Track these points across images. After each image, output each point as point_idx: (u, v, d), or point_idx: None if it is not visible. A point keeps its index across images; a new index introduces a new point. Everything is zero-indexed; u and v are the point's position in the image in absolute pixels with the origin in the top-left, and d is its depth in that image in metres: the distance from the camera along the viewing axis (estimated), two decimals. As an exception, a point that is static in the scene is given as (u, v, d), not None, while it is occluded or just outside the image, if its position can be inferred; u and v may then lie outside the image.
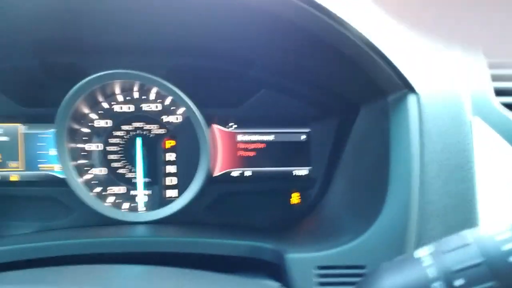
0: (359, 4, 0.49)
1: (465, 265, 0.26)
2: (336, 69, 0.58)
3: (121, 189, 0.70)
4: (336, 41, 0.50)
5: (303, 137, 0.73)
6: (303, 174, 0.73)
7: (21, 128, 0.69)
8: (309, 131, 0.73)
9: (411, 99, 0.50)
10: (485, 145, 0.51)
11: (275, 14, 0.48)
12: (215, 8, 0.51)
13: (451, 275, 0.26)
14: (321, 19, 0.47)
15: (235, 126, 0.72)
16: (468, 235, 0.28)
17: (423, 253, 0.29)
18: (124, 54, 0.64)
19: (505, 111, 0.53)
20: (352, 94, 0.62)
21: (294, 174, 0.73)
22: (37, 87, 0.67)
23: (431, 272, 0.27)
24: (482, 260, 0.26)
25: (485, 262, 0.26)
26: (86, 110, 0.68)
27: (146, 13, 0.54)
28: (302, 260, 0.48)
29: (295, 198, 0.74)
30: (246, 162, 0.72)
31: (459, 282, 0.26)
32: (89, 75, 0.63)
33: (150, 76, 0.64)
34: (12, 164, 0.69)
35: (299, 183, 0.73)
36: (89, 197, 0.67)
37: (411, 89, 0.50)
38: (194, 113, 0.66)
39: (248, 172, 0.73)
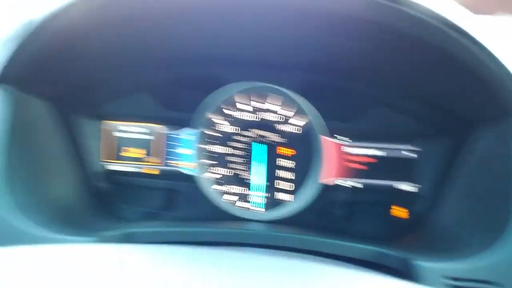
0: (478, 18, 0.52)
1: None
2: (455, 86, 0.60)
3: (239, 189, 0.78)
4: (462, 57, 0.52)
5: (413, 154, 0.76)
6: (411, 190, 0.76)
7: (162, 128, 0.79)
8: (420, 150, 0.75)
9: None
10: None
11: (399, 32, 0.52)
12: (341, 31, 0.56)
13: None
14: (448, 34, 0.50)
15: (348, 139, 0.77)
16: None
17: None
18: (255, 67, 0.72)
19: None
20: (469, 113, 0.64)
21: (401, 189, 0.76)
22: (174, 93, 0.77)
23: None
24: None
25: None
26: (217, 117, 0.77)
27: (279, 34, 0.61)
28: (433, 269, 0.51)
29: (400, 212, 0.76)
30: (355, 173, 0.77)
31: None
32: (222, 85, 0.72)
33: (281, 89, 0.71)
34: (151, 159, 0.79)
35: (406, 199, 0.75)
36: (212, 193, 0.76)
37: None
38: (314, 124, 0.72)
39: (355, 183, 0.77)
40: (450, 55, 0.52)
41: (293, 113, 0.76)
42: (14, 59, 0.57)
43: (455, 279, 0.49)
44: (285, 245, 0.61)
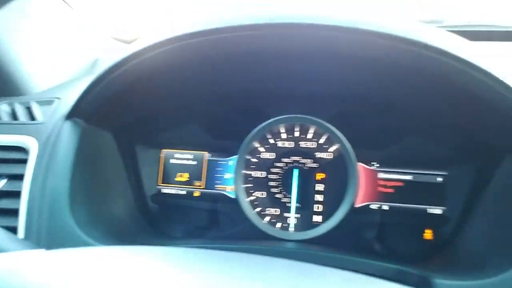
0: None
1: None
2: (478, 117, 0.66)
3: (277, 211, 0.84)
4: (481, 92, 0.58)
5: (440, 179, 0.81)
6: (437, 213, 0.80)
7: (206, 155, 0.88)
8: (447, 174, 0.80)
9: None
10: None
11: (425, 73, 0.59)
12: (375, 72, 0.64)
13: None
14: (468, 73, 0.56)
15: (378, 165, 0.83)
16: None
17: None
18: (295, 101, 0.80)
19: None
20: (494, 141, 0.69)
21: (428, 212, 0.81)
22: (222, 124, 0.86)
23: None
24: None
25: None
26: (256, 145, 0.85)
27: (318, 73, 0.69)
28: (451, 286, 0.56)
29: (428, 234, 0.81)
30: (385, 197, 0.82)
31: None
32: (265, 118, 0.81)
33: (315, 119, 0.79)
34: (196, 183, 0.88)
35: (433, 221, 0.80)
36: (252, 214, 0.83)
37: None
38: (347, 151, 0.78)
39: (385, 207, 0.82)
40: (471, 92, 0.58)
41: (327, 140, 0.83)
42: (85, 96, 0.68)
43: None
44: (308, 261, 0.67)
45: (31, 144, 0.71)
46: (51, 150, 0.69)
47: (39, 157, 0.69)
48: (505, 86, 0.54)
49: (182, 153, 0.89)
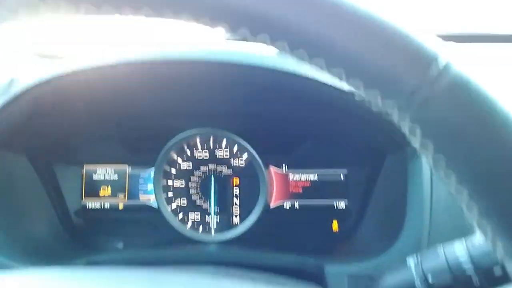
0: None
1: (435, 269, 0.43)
2: (367, 131, 0.76)
3: (198, 216, 0.90)
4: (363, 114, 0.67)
5: (341, 176, 0.90)
6: (341, 206, 0.90)
7: (127, 168, 0.92)
8: (347, 173, 0.90)
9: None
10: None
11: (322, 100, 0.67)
12: (270, 93, 0.71)
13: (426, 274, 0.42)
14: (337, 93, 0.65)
15: (287, 167, 0.91)
16: (438, 249, 0.45)
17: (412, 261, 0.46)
18: (205, 117, 0.86)
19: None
20: (379, 145, 0.79)
21: (334, 206, 0.90)
22: (139, 140, 0.90)
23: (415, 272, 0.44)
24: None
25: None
26: (174, 156, 0.90)
27: (221, 92, 0.75)
28: (337, 271, 0.65)
29: (335, 226, 0.90)
30: (296, 196, 0.91)
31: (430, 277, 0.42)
32: (179, 130, 0.86)
33: (224, 131, 0.85)
34: (120, 195, 0.92)
35: (338, 214, 0.90)
36: (175, 222, 0.88)
37: None
38: (255, 158, 0.86)
39: (297, 205, 0.91)
40: (346, 108, 0.67)
41: (238, 149, 0.90)
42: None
43: (352, 276, 0.63)
44: (229, 260, 0.74)
45: None
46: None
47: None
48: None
49: (104, 168, 0.92)
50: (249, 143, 0.86)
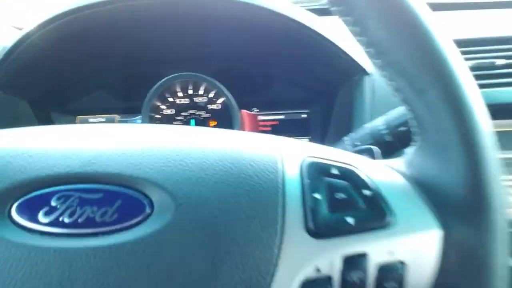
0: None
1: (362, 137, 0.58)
2: (316, 64, 0.90)
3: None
4: (312, 44, 0.82)
5: (304, 115, 1.05)
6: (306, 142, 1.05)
7: (117, 117, 1.04)
8: (308, 111, 1.05)
9: (367, 79, 0.82)
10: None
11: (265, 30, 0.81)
12: (237, 33, 0.85)
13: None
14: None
15: (257, 110, 1.05)
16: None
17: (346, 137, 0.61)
18: (185, 63, 0.99)
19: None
20: (332, 80, 0.94)
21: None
22: (126, 88, 1.02)
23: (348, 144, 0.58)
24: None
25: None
26: (158, 103, 1.03)
27: (198, 37, 0.88)
28: None
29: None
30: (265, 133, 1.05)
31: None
32: (161, 78, 0.98)
33: (202, 76, 0.98)
34: (111, 141, 1.04)
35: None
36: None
37: (366, 72, 0.82)
38: (231, 101, 0.99)
39: (267, 142, 1.05)
40: (302, 43, 0.82)
41: (215, 94, 1.03)
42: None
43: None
44: None
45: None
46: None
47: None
48: (317, 34, 0.78)
49: (96, 118, 1.04)
50: (225, 88, 1.00)
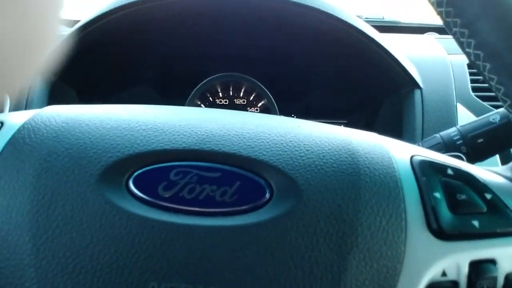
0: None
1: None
2: (367, 71, 0.90)
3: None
4: (364, 53, 0.82)
5: (342, 125, 1.05)
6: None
7: (156, 112, 1.04)
8: (346, 122, 1.05)
9: (417, 93, 0.82)
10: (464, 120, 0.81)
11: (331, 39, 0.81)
12: (287, 38, 0.85)
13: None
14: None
15: (295, 116, 1.05)
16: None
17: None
18: (225, 63, 1.00)
19: (478, 100, 0.82)
20: (378, 89, 0.94)
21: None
22: (169, 85, 1.02)
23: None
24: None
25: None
26: (198, 101, 1.03)
27: (246, 38, 0.89)
28: None
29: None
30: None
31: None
32: (202, 76, 0.99)
33: (248, 77, 0.99)
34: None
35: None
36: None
37: (417, 85, 0.82)
38: (273, 105, 0.99)
39: (302, 149, 1.05)
40: (356, 52, 0.82)
41: (255, 97, 1.03)
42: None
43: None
44: None
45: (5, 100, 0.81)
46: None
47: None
48: (377, 43, 0.78)
49: (135, 112, 1.04)
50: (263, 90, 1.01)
